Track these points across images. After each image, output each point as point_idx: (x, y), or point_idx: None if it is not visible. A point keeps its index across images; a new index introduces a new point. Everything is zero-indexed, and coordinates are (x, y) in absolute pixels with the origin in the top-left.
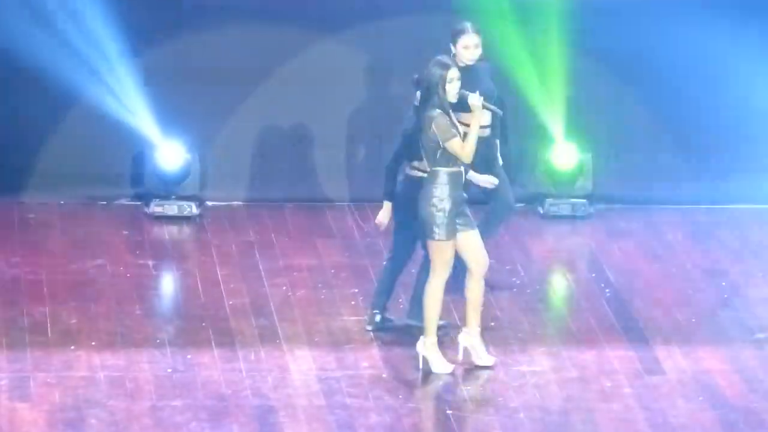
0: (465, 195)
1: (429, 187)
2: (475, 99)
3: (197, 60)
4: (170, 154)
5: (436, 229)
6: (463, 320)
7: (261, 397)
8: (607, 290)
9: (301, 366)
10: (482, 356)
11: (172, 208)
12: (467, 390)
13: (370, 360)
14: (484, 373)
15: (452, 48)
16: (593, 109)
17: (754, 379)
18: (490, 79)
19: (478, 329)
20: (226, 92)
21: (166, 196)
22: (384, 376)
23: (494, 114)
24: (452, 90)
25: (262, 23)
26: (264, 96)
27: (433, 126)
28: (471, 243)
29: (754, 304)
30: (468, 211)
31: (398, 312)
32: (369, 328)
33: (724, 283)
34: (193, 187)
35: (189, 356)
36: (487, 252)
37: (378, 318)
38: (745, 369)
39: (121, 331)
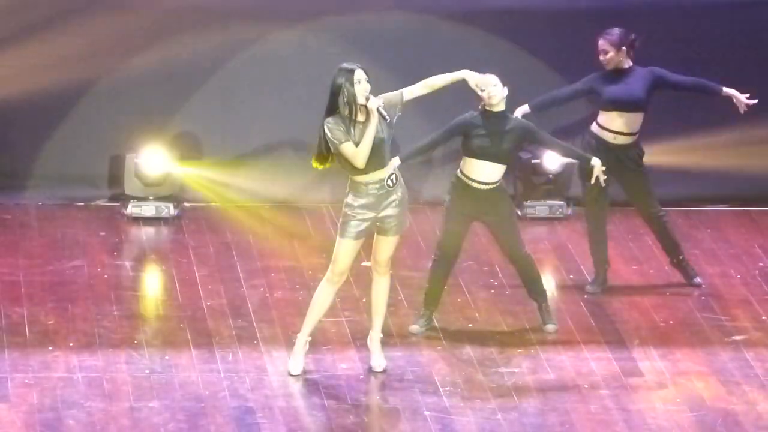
0: (395, 197)
1: (347, 194)
2: (372, 103)
3: (176, 61)
4: (149, 155)
5: (339, 227)
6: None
7: (238, 398)
8: (585, 294)
9: (279, 367)
10: (375, 360)
11: (149, 209)
12: (445, 391)
13: (348, 361)
14: (462, 375)
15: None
16: None
17: (732, 381)
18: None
19: (380, 334)
20: (204, 93)
21: (143, 198)
22: (362, 377)
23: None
24: (361, 91)
25: (240, 24)
26: (242, 97)
27: (327, 133)
28: (378, 246)
29: (732, 305)
30: (394, 214)
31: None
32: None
33: (702, 285)
34: (172, 189)
35: (167, 357)
36: (464, 252)
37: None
38: (723, 371)
39: (98, 332)
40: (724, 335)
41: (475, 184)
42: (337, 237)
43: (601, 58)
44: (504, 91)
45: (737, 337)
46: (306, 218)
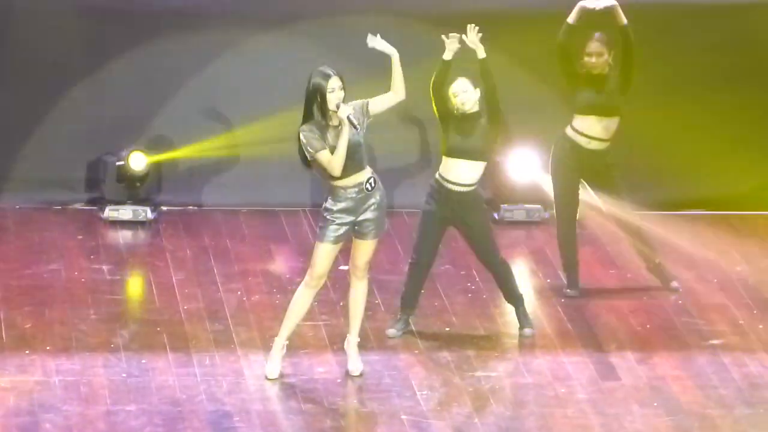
0: (374, 200)
1: (325, 199)
2: (341, 112)
3: (153, 65)
4: (133, 162)
5: (318, 231)
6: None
7: (216, 402)
8: (562, 298)
9: (256, 371)
10: (352, 364)
11: (127, 213)
12: (422, 395)
13: (325, 365)
14: (439, 378)
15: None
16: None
17: (709, 386)
18: None
19: (357, 338)
20: (182, 96)
21: (121, 201)
22: (339, 381)
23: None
24: (333, 99)
25: (216, 27)
26: (221, 100)
27: (302, 141)
28: (357, 250)
29: (709, 310)
30: (373, 218)
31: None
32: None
33: (679, 289)
34: (149, 192)
35: (144, 361)
36: (441, 256)
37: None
38: (700, 375)
39: (75, 336)
40: (701, 339)
41: (451, 185)
42: (316, 241)
43: (594, 60)
44: (476, 94)
45: (714, 342)
46: (283, 222)
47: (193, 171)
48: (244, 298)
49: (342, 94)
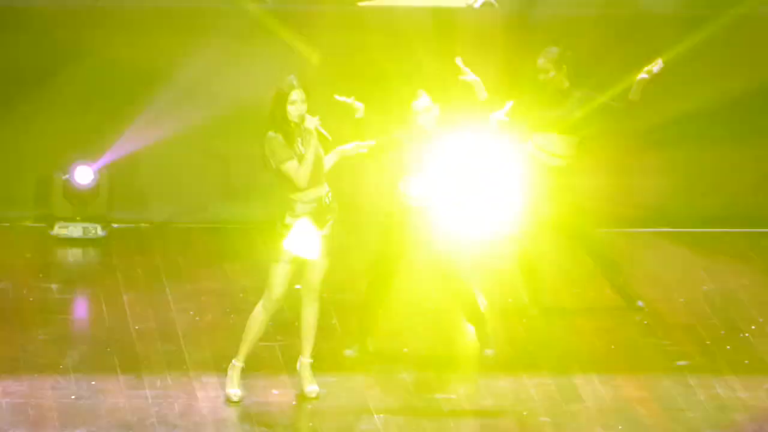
0: (332, 215)
1: (282, 213)
2: (309, 123)
3: (104, 80)
4: (77, 175)
5: (273, 251)
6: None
7: (167, 425)
8: (524, 318)
9: (209, 393)
10: (307, 387)
11: (76, 231)
12: (380, 418)
13: (280, 387)
14: (397, 401)
15: None
16: None
17: (675, 408)
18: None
19: (310, 360)
20: (134, 111)
21: (71, 218)
22: (294, 403)
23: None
24: (294, 112)
25: (167, 36)
26: (172, 111)
27: (268, 150)
28: (312, 270)
29: (675, 330)
30: (330, 234)
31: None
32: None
33: (644, 309)
34: (100, 209)
35: (93, 382)
36: (401, 274)
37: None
38: (666, 397)
39: (24, 357)
40: (667, 360)
41: (413, 201)
42: (271, 262)
43: (541, 77)
44: (434, 112)
45: (681, 363)
46: (235, 239)
47: (145, 187)
48: (197, 318)
49: (304, 107)
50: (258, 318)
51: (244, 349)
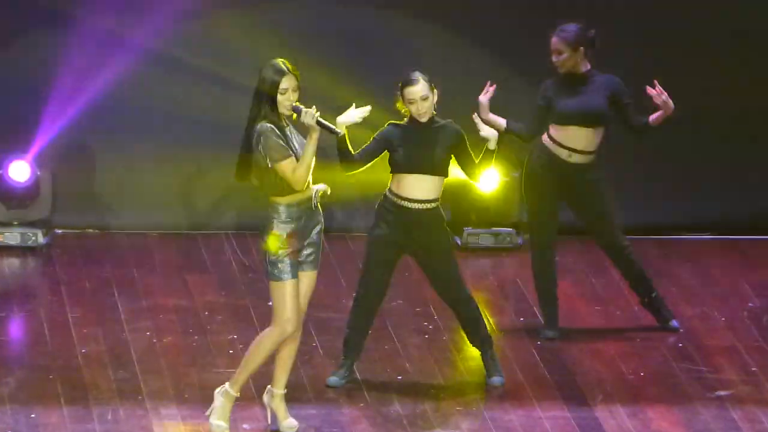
0: (318, 220)
1: (270, 220)
2: (308, 117)
3: (45, 71)
4: (11, 171)
5: (269, 270)
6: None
7: None
8: (538, 340)
9: (169, 427)
10: (283, 421)
11: (14, 237)
12: None
13: (252, 420)
14: None
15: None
16: None
17: None
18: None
19: (283, 390)
20: (80, 99)
21: (7, 223)
22: None
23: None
24: (285, 102)
25: (117, 17)
26: (124, 101)
27: (261, 143)
28: (301, 286)
29: (715, 354)
30: (317, 242)
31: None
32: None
33: (679, 329)
34: (41, 212)
35: (33, 415)
36: (392, 290)
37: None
38: None
39: None
40: (705, 390)
41: (407, 203)
42: (270, 282)
43: (554, 59)
44: (435, 98)
45: (721, 393)
46: (202, 248)
47: (94, 186)
48: (154, 340)
49: (295, 96)
50: (268, 341)
51: (242, 379)
